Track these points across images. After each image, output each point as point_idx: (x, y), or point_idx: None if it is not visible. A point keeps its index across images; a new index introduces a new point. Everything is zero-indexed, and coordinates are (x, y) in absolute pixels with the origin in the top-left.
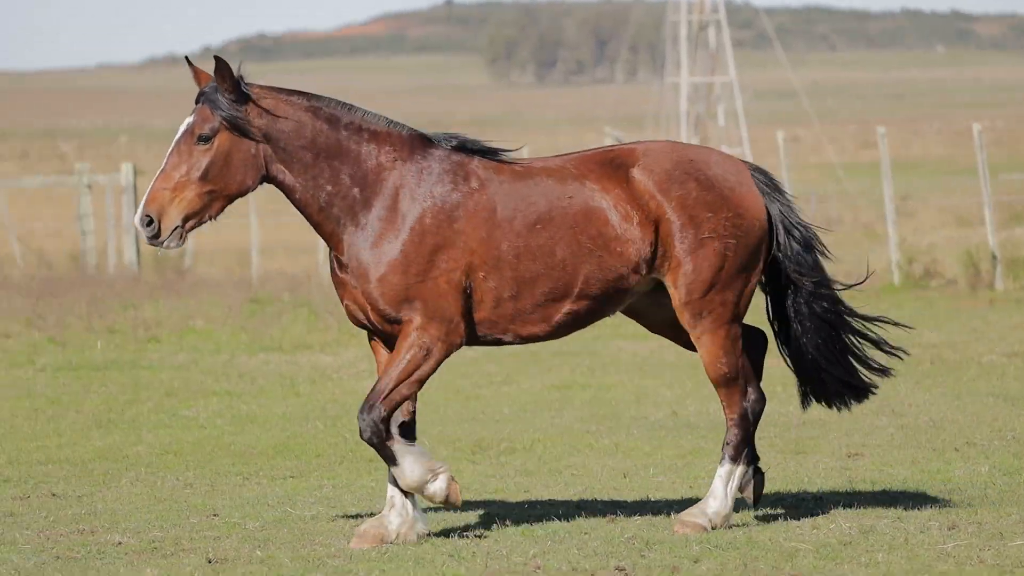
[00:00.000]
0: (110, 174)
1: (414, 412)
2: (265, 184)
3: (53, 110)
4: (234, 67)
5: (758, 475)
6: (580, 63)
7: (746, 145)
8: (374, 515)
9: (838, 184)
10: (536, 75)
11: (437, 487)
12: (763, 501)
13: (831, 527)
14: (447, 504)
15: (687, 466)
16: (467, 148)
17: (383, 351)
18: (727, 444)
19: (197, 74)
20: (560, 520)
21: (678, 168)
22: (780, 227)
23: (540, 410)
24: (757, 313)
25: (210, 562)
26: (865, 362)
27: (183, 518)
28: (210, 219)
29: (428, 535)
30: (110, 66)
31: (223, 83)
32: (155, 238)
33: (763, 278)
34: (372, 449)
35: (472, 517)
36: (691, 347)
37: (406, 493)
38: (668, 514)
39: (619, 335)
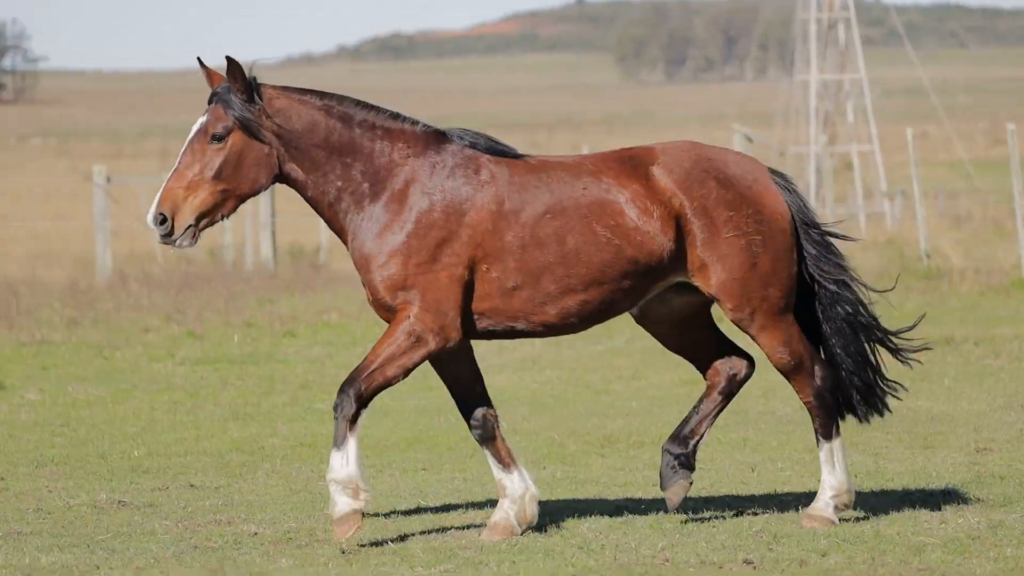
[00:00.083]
0: None
1: (497, 416)
2: None
3: (189, 109)
4: (246, 69)
5: (685, 479)
6: (709, 61)
7: (875, 142)
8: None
9: (967, 181)
10: (665, 73)
11: (339, 509)
12: (891, 496)
13: (959, 521)
14: (333, 524)
15: (814, 460)
16: (478, 147)
17: None
18: (815, 431)
19: (209, 75)
20: (688, 513)
21: (697, 167)
22: (800, 227)
23: (669, 405)
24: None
25: (344, 552)
26: (881, 374)
27: (317, 509)
28: (223, 218)
29: (556, 526)
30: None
31: (235, 84)
32: (168, 236)
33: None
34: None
35: (601, 510)
36: (701, 366)
37: (509, 468)
38: (796, 508)
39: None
